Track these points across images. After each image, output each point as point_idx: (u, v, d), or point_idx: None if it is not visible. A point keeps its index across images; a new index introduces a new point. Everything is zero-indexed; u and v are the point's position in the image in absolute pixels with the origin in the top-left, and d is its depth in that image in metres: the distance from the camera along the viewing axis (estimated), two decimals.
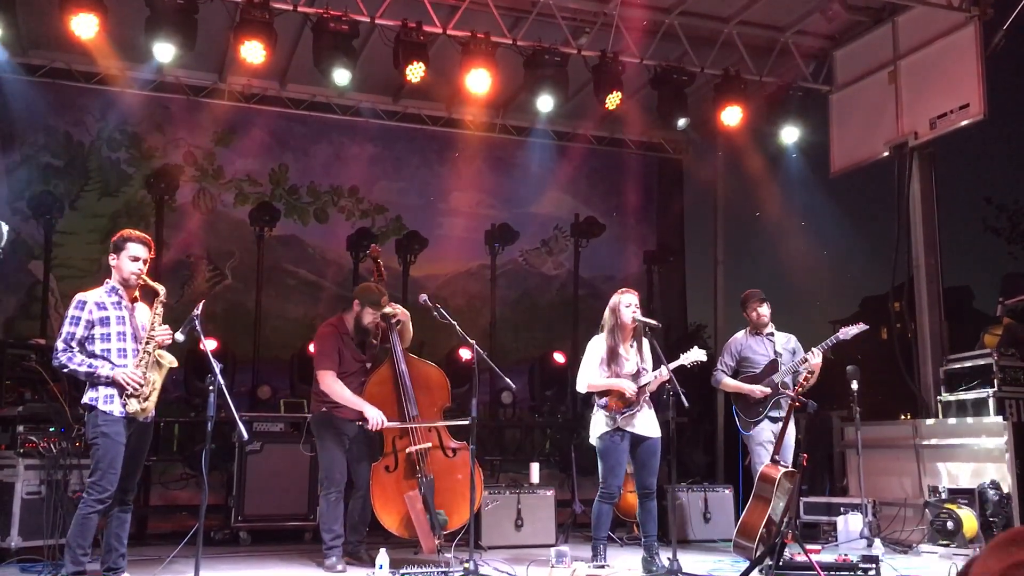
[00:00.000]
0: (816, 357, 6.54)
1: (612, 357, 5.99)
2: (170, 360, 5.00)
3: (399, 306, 6.31)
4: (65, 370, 4.92)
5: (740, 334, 7.08)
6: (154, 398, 4.96)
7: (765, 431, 6.71)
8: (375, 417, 6.00)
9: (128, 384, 4.83)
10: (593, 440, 6.04)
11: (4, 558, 6.09)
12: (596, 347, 6.09)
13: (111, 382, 4.84)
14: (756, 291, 7.06)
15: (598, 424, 5.98)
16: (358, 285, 6.45)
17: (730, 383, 6.95)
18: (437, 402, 6.31)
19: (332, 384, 6.11)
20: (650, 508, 6.00)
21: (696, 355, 5.91)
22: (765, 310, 6.94)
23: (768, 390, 6.73)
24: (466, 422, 5.79)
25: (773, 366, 6.80)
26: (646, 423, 5.96)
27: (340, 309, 9.77)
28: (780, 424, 6.45)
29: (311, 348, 8.77)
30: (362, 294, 6.32)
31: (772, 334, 6.94)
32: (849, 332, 6.59)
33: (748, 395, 6.79)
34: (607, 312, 6.11)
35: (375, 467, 6.13)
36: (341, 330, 6.34)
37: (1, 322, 9.03)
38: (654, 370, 5.97)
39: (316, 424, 6.34)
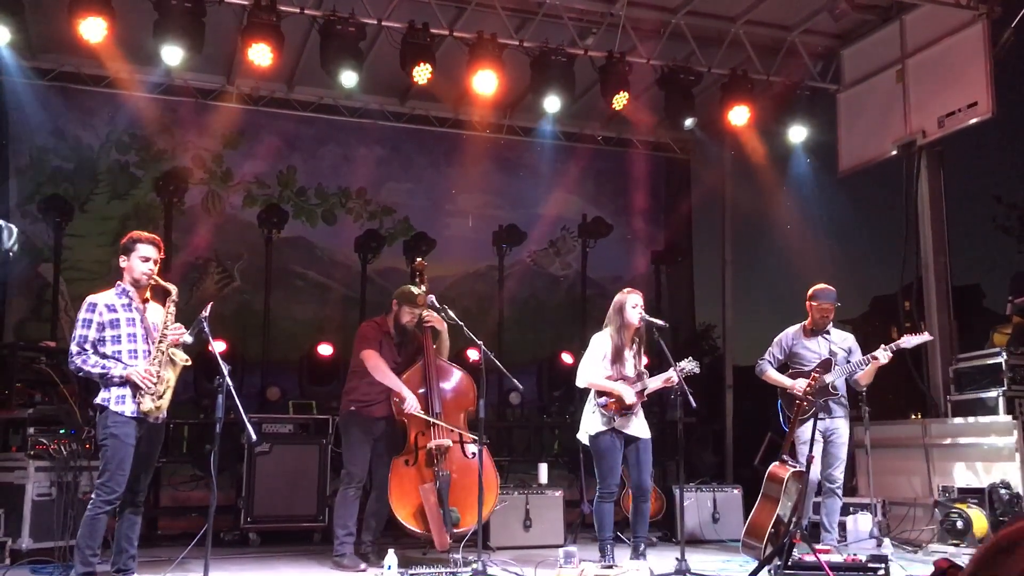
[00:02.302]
0: (884, 357, 6.37)
1: (617, 357, 6.01)
2: (183, 358, 5.03)
3: (436, 315, 6.39)
4: (80, 373, 4.97)
5: (794, 328, 6.83)
6: (168, 396, 4.99)
7: (807, 431, 6.34)
8: (410, 401, 6.13)
9: (142, 382, 4.86)
10: (584, 438, 6.06)
11: (15, 559, 6.13)
12: (599, 344, 6.09)
13: (125, 381, 4.87)
14: (831, 290, 6.72)
15: (593, 422, 5.99)
16: (397, 288, 6.58)
17: (773, 376, 6.73)
18: (462, 405, 6.43)
19: (377, 362, 6.26)
20: (643, 510, 6.04)
21: (688, 367, 5.87)
22: (830, 313, 6.68)
23: (804, 386, 6.41)
24: (473, 438, 6.06)
25: (826, 365, 6.53)
26: (639, 425, 6.03)
27: (348, 310, 9.92)
28: (824, 424, 6.39)
29: (319, 349, 8.92)
30: (400, 294, 6.48)
31: (828, 332, 6.71)
32: (911, 341, 6.42)
33: (791, 392, 6.54)
34: (612, 311, 6.13)
35: (395, 460, 6.24)
36: (384, 328, 6.50)
37: (11, 325, 9.06)
38: (653, 374, 6.02)
39: (343, 421, 6.52)
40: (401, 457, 6.26)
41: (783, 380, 6.67)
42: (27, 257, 9.10)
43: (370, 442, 6.34)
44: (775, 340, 6.88)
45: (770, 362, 6.81)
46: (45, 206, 9.01)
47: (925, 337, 6.52)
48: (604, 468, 5.94)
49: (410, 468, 6.22)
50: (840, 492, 6.57)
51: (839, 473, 6.54)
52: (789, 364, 6.80)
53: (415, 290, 6.43)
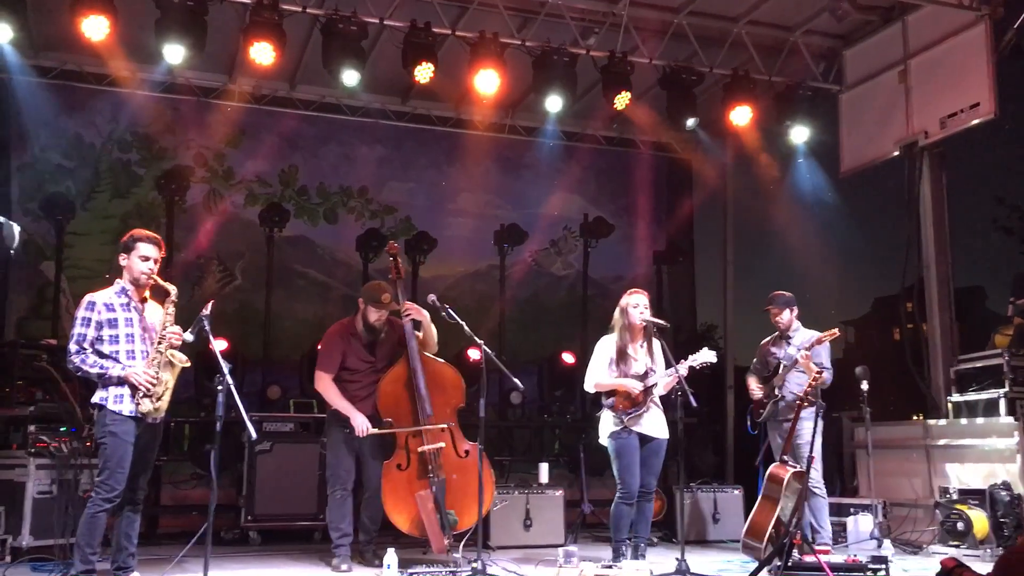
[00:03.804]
0: (801, 357, 6.37)
1: (621, 357, 6.00)
2: (182, 359, 5.02)
3: (415, 305, 6.31)
4: (79, 373, 4.94)
5: (769, 337, 7.02)
6: (167, 398, 4.98)
7: (772, 434, 6.75)
8: (360, 425, 6.07)
9: (140, 384, 4.85)
10: (603, 440, 6.04)
11: (16, 557, 6.14)
12: (605, 347, 6.09)
13: (123, 382, 4.87)
14: (775, 295, 6.86)
15: (606, 424, 5.99)
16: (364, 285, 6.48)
17: (749, 384, 7.01)
18: (451, 402, 6.31)
19: (325, 386, 6.24)
20: (645, 509, 6.01)
21: (706, 356, 5.89)
22: (783, 317, 6.76)
23: (759, 394, 6.81)
24: (441, 427, 6.03)
25: (776, 369, 6.76)
26: (653, 423, 5.96)
27: (349, 309, 9.90)
28: (780, 428, 6.46)
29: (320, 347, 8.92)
30: (364, 292, 6.40)
31: (791, 336, 6.79)
32: (824, 338, 6.47)
33: (756, 399, 6.88)
34: (616, 313, 6.12)
35: (387, 465, 6.15)
36: (350, 330, 6.36)
37: (13, 322, 9.07)
38: (665, 371, 5.96)
39: (327, 422, 6.43)
40: (392, 461, 6.15)
41: (752, 389, 6.92)
42: (29, 255, 9.10)
43: (354, 443, 6.22)
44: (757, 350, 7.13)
45: (751, 371, 7.07)
46: (47, 204, 9.02)
47: (832, 334, 6.53)
48: (621, 468, 5.90)
49: (403, 472, 6.11)
50: (820, 490, 6.52)
51: (812, 472, 6.49)
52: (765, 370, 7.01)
53: (380, 287, 6.27)
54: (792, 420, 6.31)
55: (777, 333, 6.90)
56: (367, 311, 6.25)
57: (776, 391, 6.66)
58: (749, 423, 6.94)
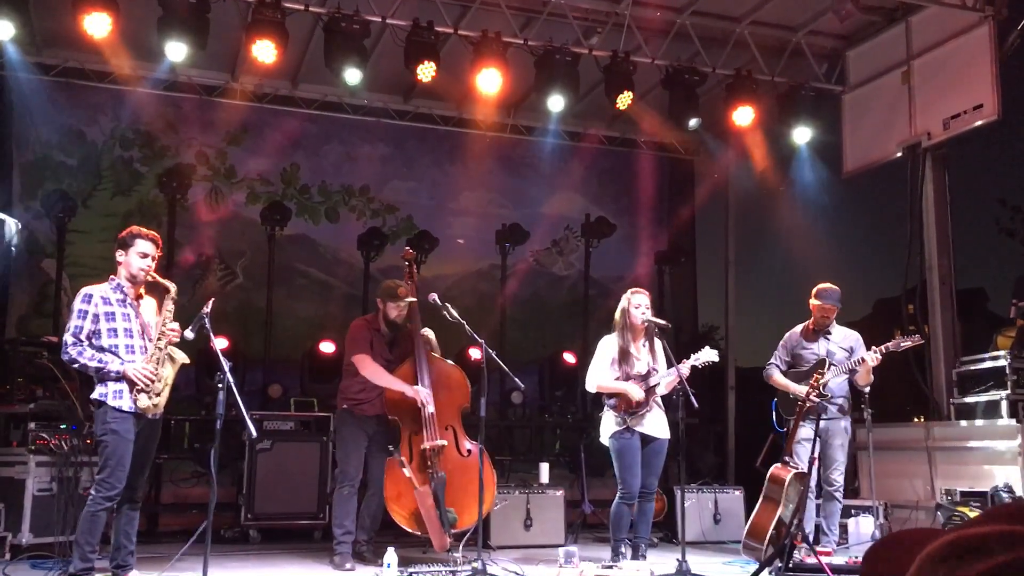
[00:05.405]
0: (871, 359, 6.27)
1: (623, 357, 5.99)
2: (182, 356, 5.01)
3: (430, 333, 6.40)
4: (75, 365, 4.90)
5: (798, 328, 6.83)
6: (166, 394, 4.97)
7: (804, 429, 6.41)
8: (421, 394, 6.09)
9: (139, 380, 4.84)
10: (605, 440, 6.03)
11: (15, 554, 6.13)
12: (607, 347, 6.08)
13: (121, 377, 4.85)
14: (830, 291, 6.65)
15: (608, 424, 5.98)
16: (380, 285, 6.58)
17: (778, 380, 6.72)
18: (456, 401, 6.38)
19: (372, 367, 6.22)
20: (646, 510, 6.00)
21: (708, 355, 5.88)
22: (835, 315, 6.64)
23: (802, 390, 6.37)
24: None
25: (821, 367, 6.48)
26: (655, 424, 5.94)
27: (350, 307, 9.90)
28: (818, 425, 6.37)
29: (321, 347, 8.91)
30: (381, 291, 6.47)
31: (830, 332, 6.68)
32: (902, 344, 6.33)
33: (795, 396, 6.48)
34: (618, 312, 6.11)
35: (390, 461, 6.19)
36: (374, 326, 6.46)
37: (14, 320, 9.06)
38: (667, 370, 5.95)
39: (337, 420, 6.55)
40: (395, 458, 6.20)
41: (788, 384, 6.64)
42: (30, 252, 9.10)
43: (364, 440, 6.31)
44: (780, 342, 6.90)
45: (777, 365, 6.81)
46: (48, 202, 9.00)
47: (916, 340, 6.43)
48: (622, 468, 5.89)
49: (405, 470, 6.16)
50: (839, 495, 6.52)
51: (837, 476, 6.50)
52: (793, 365, 6.79)
53: (395, 284, 6.38)
54: (794, 423, 6.29)
55: (810, 328, 6.72)
56: (387, 309, 6.35)
57: (824, 390, 6.43)
58: (776, 418, 6.75)
